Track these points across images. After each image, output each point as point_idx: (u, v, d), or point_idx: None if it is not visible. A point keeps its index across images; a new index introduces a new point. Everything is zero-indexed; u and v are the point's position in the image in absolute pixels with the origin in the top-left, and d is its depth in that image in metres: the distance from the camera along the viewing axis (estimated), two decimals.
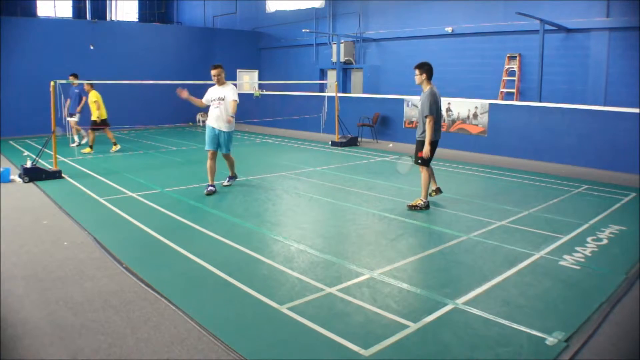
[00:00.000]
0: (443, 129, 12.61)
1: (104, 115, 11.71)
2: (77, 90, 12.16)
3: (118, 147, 12.04)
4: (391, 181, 8.48)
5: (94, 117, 11.55)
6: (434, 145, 6.55)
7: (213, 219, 6.18)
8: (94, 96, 11.53)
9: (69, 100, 12.02)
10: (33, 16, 20.80)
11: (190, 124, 18.98)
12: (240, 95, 24.57)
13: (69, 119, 11.74)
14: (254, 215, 6.37)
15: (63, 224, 5.94)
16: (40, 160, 8.68)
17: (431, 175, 6.93)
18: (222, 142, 7.57)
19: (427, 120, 6.41)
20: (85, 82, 11.74)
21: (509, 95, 13.38)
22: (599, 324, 3.52)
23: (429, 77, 6.48)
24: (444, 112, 12.54)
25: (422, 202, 6.60)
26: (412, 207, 6.60)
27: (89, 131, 11.90)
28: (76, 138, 12.74)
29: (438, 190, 7.13)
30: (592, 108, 10.50)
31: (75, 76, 11.94)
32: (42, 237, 5.43)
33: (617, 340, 3.37)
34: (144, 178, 8.66)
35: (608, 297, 3.96)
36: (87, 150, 11.71)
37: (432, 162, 6.78)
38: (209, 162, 7.52)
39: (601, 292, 4.05)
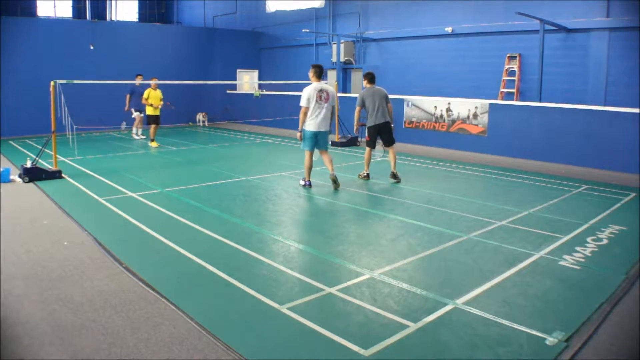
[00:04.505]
0: (443, 129, 12.97)
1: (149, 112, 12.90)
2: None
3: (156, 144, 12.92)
4: (391, 181, 8.47)
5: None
6: (370, 130, 8.38)
7: (213, 219, 6.18)
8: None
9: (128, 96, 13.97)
10: (33, 16, 20.78)
11: (190, 124, 18.97)
12: (240, 95, 24.38)
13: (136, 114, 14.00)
14: (254, 215, 6.37)
15: (63, 224, 5.93)
16: (40, 160, 8.68)
17: (368, 159, 8.60)
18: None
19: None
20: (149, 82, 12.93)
21: (509, 95, 13.37)
22: (599, 324, 3.52)
23: (370, 81, 8.49)
24: (444, 113, 12.93)
25: (363, 173, 8.63)
26: (359, 176, 8.64)
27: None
28: (139, 132, 14.50)
29: (367, 176, 8.60)
30: (592, 108, 10.49)
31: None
32: (42, 237, 5.44)
33: (617, 340, 3.38)
34: (144, 178, 8.66)
35: (608, 297, 3.95)
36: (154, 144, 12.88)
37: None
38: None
39: (601, 292, 4.05)
